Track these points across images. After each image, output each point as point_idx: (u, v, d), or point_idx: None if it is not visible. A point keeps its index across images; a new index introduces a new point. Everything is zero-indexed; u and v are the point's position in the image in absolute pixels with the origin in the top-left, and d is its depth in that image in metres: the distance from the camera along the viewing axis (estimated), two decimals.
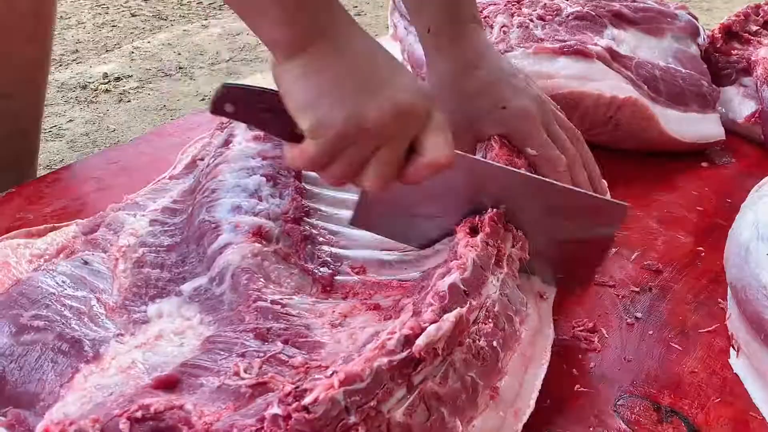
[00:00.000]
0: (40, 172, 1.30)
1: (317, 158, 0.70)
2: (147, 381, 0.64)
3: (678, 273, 0.92)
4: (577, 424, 0.72)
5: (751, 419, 0.74)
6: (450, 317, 0.64)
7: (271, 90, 0.72)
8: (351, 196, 0.90)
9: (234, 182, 0.87)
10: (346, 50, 0.70)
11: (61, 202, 1.02)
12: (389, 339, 0.61)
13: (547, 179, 0.82)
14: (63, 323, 0.70)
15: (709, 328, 0.84)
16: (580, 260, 0.82)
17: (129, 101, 3.17)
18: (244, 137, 0.93)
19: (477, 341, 0.68)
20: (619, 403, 0.74)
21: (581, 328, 0.82)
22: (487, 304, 0.71)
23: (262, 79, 3.29)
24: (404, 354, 0.60)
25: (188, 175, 0.98)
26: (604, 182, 0.96)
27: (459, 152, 0.76)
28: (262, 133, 0.93)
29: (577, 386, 0.75)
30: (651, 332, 0.83)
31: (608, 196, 0.93)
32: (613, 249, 0.95)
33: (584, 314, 0.84)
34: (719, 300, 0.88)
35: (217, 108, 0.72)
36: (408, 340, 0.61)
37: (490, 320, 0.70)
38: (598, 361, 0.79)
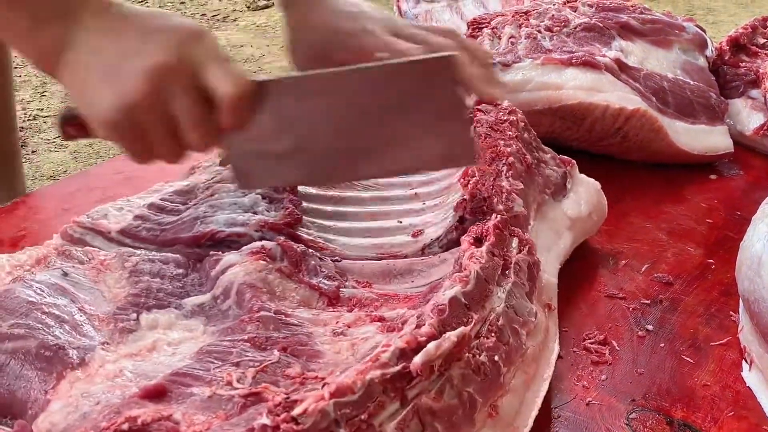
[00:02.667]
0: (44, 182, 1.29)
1: (129, 154, 0.74)
2: (135, 390, 0.63)
3: (688, 285, 0.92)
4: None
5: None
6: (452, 336, 0.62)
7: None
8: (349, 208, 0.89)
9: (231, 200, 0.87)
10: (86, 48, 0.72)
11: (65, 212, 1.01)
12: (383, 351, 0.59)
13: (369, 65, 0.74)
14: (45, 331, 0.68)
15: (721, 341, 0.83)
16: (445, 134, 0.74)
17: None
18: None
19: (477, 356, 0.66)
20: (631, 416, 0.73)
21: (592, 340, 0.81)
22: (491, 318, 0.69)
23: None
24: (398, 368, 0.59)
25: (183, 179, 0.97)
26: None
27: (264, 77, 0.73)
28: None
29: (589, 399, 0.74)
30: (662, 345, 0.82)
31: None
32: (623, 261, 0.94)
33: (595, 326, 0.84)
34: (731, 313, 0.87)
35: (65, 134, 0.78)
36: (403, 354, 0.60)
37: (493, 334, 0.68)
38: (609, 374, 0.78)
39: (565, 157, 0.94)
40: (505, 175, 0.84)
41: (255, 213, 0.86)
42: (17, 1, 0.71)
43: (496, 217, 0.76)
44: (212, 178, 0.92)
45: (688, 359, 0.81)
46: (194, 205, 0.88)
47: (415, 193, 0.91)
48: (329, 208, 0.90)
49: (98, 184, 1.08)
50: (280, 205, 0.86)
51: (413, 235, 0.84)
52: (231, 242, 0.83)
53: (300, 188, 0.90)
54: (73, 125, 0.77)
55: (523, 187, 0.84)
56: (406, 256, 0.82)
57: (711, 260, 0.97)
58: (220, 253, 0.79)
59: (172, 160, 0.74)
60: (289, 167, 0.77)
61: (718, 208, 1.08)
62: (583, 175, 0.95)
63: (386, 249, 0.83)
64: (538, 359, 0.73)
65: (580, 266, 0.91)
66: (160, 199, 0.90)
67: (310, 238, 0.84)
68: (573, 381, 0.76)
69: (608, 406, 0.74)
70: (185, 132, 0.72)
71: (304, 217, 0.86)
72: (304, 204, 0.88)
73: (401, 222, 0.86)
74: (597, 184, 0.95)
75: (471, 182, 0.82)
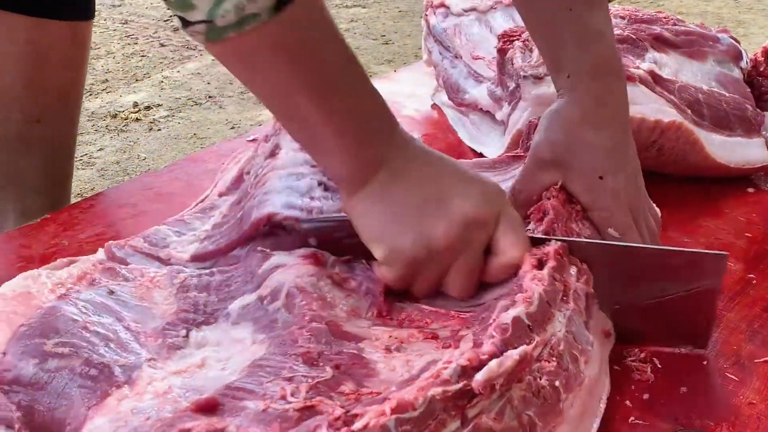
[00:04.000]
0: (72, 200, 1.29)
1: (397, 281, 0.74)
2: (186, 405, 0.62)
3: (730, 301, 0.89)
4: None
5: None
6: (514, 354, 0.62)
7: (346, 218, 0.76)
8: None
9: (285, 185, 0.85)
10: (406, 175, 0.73)
11: (95, 228, 1.01)
12: (445, 368, 0.59)
13: (634, 245, 0.82)
14: (90, 349, 0.68)
15: (766, 358, 0.81)
16: (688, 320, 0.79)
17: (159, 130, 3.19)
18: (291, 147, 0.90)
19: (538, 379, 0.65)
20: None
21: (633, 358, 0.79)
22: (552, 342, 0.68)
23: None
24: (459, 385, 0.58)
25: (236, 189, 0.96)
26: None
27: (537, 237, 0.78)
28: None
29: (632, 418, 0.72)
30: (705, 362, 0.80)
31: None
32: None
33: (635, 344, 0.81)
34: None
35: (302, 242, 0.80)
36: (464, 371, 0.59)
37: (553, 358, 0.67)
38: (651, 393, 0.76)
39: None
40: (575, 218, 0.84)
41: (312, 198, 0.84)
42: (349, 117, 0.71)
43: (557, 243, 0.75)
44: (262, 171, 0.90)
45: (732, 377, 0.78)
46: (248, 199, 0.87)
47: None
48: None
49: (128, 200, 1.07)
50: (336, 195, 0.85)
51: None
52: (286, 226, 0.82)
53: None
54: (317, 235, 0.80)
55: (590, 233, 0.85)
56: None
57: (752, 275, 0.94)
58: (267, 250, 0.78)
59: (425, 295, 0.76)
60: None
61: (756, 222, 1.06)
62: None
63: None
64: (592, 392, 0.71)
65: None
66: (222, 217, 0.89)
67: None
68: (615, 399, 0.74)
69: (651, 426, 0.72)
70: (454, 278, 0.74)
71: None
72: None
73: None
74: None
75: (546, 220, 0.82)
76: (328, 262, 0.77)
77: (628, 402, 0.74)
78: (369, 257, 0.76)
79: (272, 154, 0.92)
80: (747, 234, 1.03)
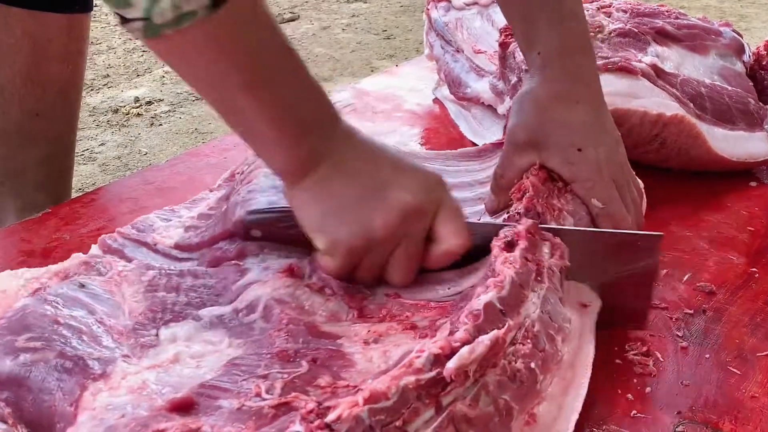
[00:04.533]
0: (74, 195, 1.29)
1: (339, 270, 0.76)
2: (160, 402, 0.62)
3: (732, 295, 0.89)
4: None
5: None
6: (485, 339, 0.61)
7: (290, 209, 0.77)
8: None
9: (270, 184, 0.86)
10: (345, 167, 0.74)
11: (97, 222, 1.00)
12: (417, 357, 0.58)
13: (581, 228, 0.83)
14: (62, 342, 0.67)
15: None
16: (628, 299, 0.80)
17: (160, 125, 3.19)
18: None
19: (513, 363, 0.64)
20: (678, 429, 0.71)
21: (635, 351, 0.79)
22: (526, 324, 0.68)
23: None
24: (432, 374, 0.58)
25: (226, 186, 0.97)
26: None
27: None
28: None
29: (634, 412, 0.72)
30: (707, 356, 0.80)
31: None
32: (664, 270, 0.91)
33: (637, 337, 0.81)
34: None
35: (246, 235, 0.81)
36: (437, 360, 0.59)
37: (528, 340, 0.67)
38: (653, 386, 0.75)
39: None
40: (557, 194, 0.85)
41: None
42: (286, 111, 0.72)
43: (527, 222, 0.75)
44: (248, 169, 0.91)
45: (734, 370, 0.78)
46: (234, 192, 0.88)
47: (479, 198, 0.94)
48: None
49: (129, 194, 1.07)
50: None
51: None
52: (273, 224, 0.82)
53: None
54: (260, 227, 0.81)
55: (572, 207, 0.84)
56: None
57: (754, 269, 0.94)
58: (242, 264, 0.78)
59: (368, 284, 0.78)
60: None
61: (759, 216, 1.06)
62: None
63: None
64: (574, 365, 0.71)
65: None
66: (209, 209, 0.90)
67: None
68: (617, 393, 0.74)
69: (654, 419, 0.72)
70: (394, 267, 0.76)
71: None
72: None
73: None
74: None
75: (526, 197, 0.82)
76: (305, 274, 0.78)
77: (630, 396, 0.74)
78: (312, 248, 0.77)
79: None
80: (749, 228, 1.03)
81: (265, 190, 0.85)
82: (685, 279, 0.91)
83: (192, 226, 0.87)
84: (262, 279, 0.77)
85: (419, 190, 0.74)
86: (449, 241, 0.75)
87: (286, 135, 0.72)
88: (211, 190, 0.98)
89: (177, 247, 0.85)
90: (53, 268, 0.79)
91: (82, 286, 0.76)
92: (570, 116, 0.87)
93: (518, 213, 0.81)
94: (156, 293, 0.77)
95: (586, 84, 0.90)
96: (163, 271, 0.80)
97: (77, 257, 0.82)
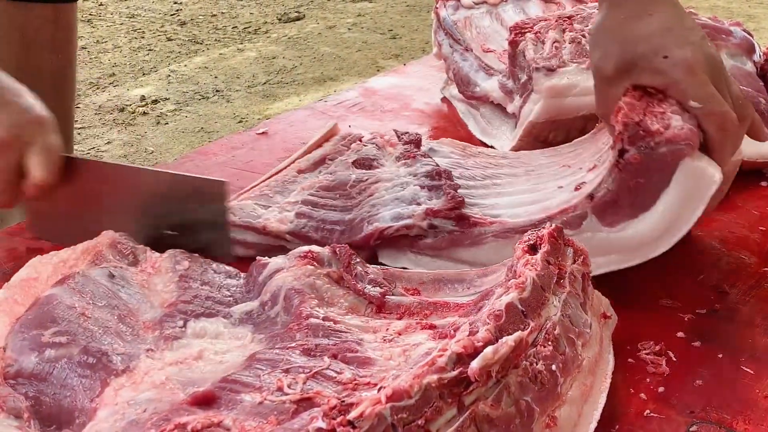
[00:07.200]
0: None
1: None
2: (182, 397, 0.62)
3: (745, 294, 0.89)
4: None
5: None
6: (509, 340, 0.61)
7: None
8: (505, 187, 0.95)
9: (391, 197, 0.92)
10: None
11: None
12: (440, 356, 0.58)
13: (144, 167, 0.93)
14: (87, 336, 0.68)
15: None
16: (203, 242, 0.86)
17: (167, 123, 3.19)
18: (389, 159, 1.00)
19: (535, 364, 0.64)
20: (692, 429, 0.70)
21: (647, 350, 0.79)
22: (547, 326, 0.67)
23: (299, 101, 3.31)
24: (455, 373, 0.58)
25: (316, 170, 1.01)
26: None
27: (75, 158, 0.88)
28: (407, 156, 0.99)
29: (647, 411, 0.72)
30: (720, 355, 0.79)
31: None
32: (676, 270, 0.91)
33: (650, 336, 0.81)
34: None
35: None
36: (460, 359, 0.59)
37: (549, 343, 0.67)
38: (666, 386, 0.75)
39: None
40: (656, 104, 0.84)
41: (418, 204, 0.89)
42: None
43: (551, 225, 0.75)
44: (366, 179, 0.96)
45: (747, 370, 0.78)
46: (356, 206, 0.92)
47: (567, 165, 0.95)
48: (485, 191, 0.93)
49: None
50: (440, 192, 0.89)
51: (576, 189, 0.87)
52: (401, 237, 0.88)
53: (454, 173, 0.94)
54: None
55: (678, 107, 0.83)
56: (575, 208, 0.84)
57: (767, 268, 0.94)
58: (267, 258, 0.78)
59: None
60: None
61: None
62: None
63: (554, 209, 0.85)
64: (594, 371, 0.71)
65: (633, 276, 0.88)
66: (309, 195, 0.95)
67: (478, 217, 0.87)
68: (629, 392, 0.74)
69: (667, 419, 0.71)
70: None
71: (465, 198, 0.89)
72: (461, 189, 0.91)
73: (561, 187, 0.89)
74: None
75: (621, 114, 0.82)
76: (325, 260, 0.77)
77: (643, 395, 0.74)
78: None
79: (364, 165, 0.98)
80: (761, 227, 1.02)
81: (388, 204, 0.90)
82: (697, 279, 0.91)
83: (302, 214, 0.92)
84: (284, 266, 0.77)
85: (11, 127, 0.82)
86: (34, 173, 0.83)
87: None
88: (299, 172, 1.01)
89: (293, 234, 0.90)
90: (79, 247, 0.81)
91: (112, 276, 0.76)
92: (648, 29, 0.86)
93: (619, 132, 0.81)
94: (190, 284, 0.77)
95: None
96: (199, 263, 0.81)
97: (107, 234, 0.84)
